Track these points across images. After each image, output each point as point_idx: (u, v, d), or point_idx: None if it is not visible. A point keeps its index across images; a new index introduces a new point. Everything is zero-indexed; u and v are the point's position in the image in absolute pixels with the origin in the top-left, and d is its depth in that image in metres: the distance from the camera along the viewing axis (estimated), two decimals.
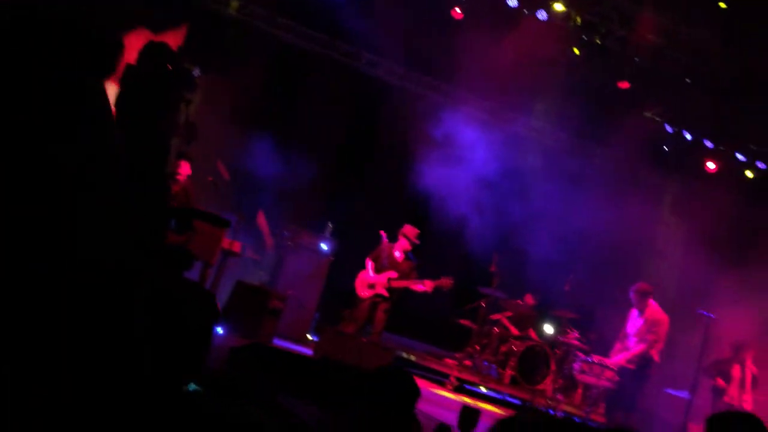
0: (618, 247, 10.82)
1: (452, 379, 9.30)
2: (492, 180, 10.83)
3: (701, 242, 10.30)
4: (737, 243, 10.30)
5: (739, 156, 11.43)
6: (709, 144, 11.37)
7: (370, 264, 9.08)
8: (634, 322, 8.92)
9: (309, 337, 9.48)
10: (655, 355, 8.69)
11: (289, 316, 8.89)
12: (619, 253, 10.85)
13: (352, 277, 9.16)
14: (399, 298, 9.12)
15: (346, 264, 9.46)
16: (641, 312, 8.82)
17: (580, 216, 10.70)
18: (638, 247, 11.13)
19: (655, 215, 11.59)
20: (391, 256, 9.10)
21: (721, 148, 11.40)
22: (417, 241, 9.15)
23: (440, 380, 9.41)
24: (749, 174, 11.47)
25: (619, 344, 9.12)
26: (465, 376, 9.47)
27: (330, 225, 9.89)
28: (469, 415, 4.09)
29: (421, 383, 8.30)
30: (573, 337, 9.83)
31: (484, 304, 10.15)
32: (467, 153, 10.72)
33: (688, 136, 11.38)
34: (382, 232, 9.11)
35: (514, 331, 10.37)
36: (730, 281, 9.57)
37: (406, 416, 3.34)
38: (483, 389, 9.83)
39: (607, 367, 8.85)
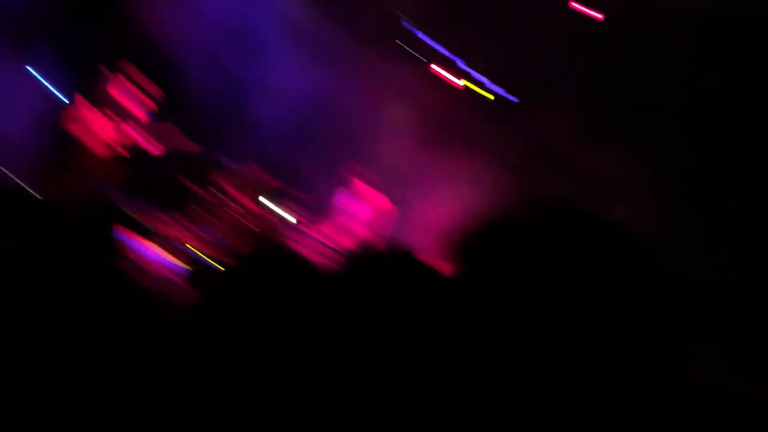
0: (345, 126, 11.12)
1: (179, 244, 9.24)
2: (234, 43, 10.56)
3: (419, 134, 10.95)
4: (448, 141, 11.04)
5: (475, 74, 12.37)
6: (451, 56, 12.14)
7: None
8: (357, 206, 9.41)
9: None
10: (380, 244, 9.29)
11: None
12: (345, 132, 11.14)
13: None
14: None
15: None
16: (356, 195, 9.23)
17: (313, 90, 10.85)
18: (363, 129, 11.48)
19: (384, 100, 11.92)
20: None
21: (461, 61, 12.22)
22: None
23: (168, 246, 9.32)
24: (473, 86, 12.39)
25: (330, 221, 9.45)
26: (194, 244, 9.47)
27: None
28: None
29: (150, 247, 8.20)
30: (296, 211, 10.14)
31: (214, 172, 10.09)
32: (207, 9, 10.30)
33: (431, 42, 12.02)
34: None
35: (242, 200, 10.45)
36: (439, 174, 10.34)
37: (105, 236, 3.33)
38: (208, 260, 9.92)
39: (332, 248, 9.31)
